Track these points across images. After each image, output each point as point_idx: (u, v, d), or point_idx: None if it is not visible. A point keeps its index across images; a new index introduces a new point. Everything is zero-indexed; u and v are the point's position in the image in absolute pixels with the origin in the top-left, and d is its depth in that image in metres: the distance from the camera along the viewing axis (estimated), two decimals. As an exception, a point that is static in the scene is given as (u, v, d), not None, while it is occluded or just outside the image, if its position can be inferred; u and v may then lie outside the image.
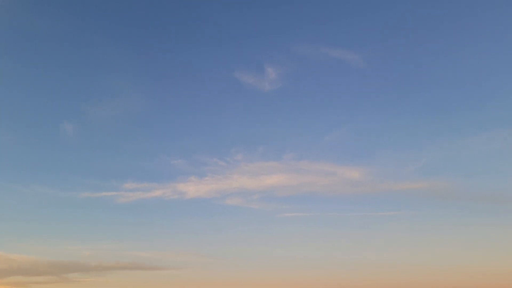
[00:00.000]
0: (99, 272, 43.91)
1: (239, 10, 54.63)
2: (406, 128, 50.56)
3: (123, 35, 54.77)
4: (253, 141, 52.63)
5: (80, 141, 52.53)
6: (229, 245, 47.46)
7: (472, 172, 47.39)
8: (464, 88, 49.23)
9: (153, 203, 49.32)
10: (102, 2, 53.72)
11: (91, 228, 48.60)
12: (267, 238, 47.85)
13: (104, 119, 52.84)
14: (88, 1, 53.11)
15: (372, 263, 43.72)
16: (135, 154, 52.99)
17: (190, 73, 55.41)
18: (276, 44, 53.14)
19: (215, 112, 55.11)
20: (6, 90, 52.17)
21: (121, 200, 48.85)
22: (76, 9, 53.00)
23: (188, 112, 55.58)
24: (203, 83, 55.33)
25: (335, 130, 52.01)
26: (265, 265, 45.44)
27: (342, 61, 51.65)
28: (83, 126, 52.82)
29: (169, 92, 55.63)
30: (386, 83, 52.24)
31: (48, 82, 53.87)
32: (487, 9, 49.54)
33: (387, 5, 52.42)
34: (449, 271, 40.20)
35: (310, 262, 45.00)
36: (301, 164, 50.44)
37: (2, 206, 48.37)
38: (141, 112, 54.77)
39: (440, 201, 46.48)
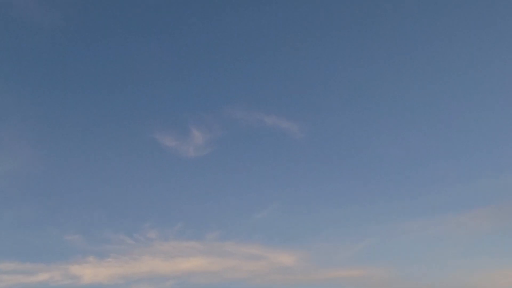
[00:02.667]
0: None
1: (165, 64, 49.16)
2: (343, 211, 46.69)
3: (15, 73, 46.20)
4: (170, 216, 45.41)
5: None
6: None
7: (408, 260, 44.54)
8: (401, 174, 47.11)
9: (37, 290, 39.64)
10: None
11: None
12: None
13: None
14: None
15: None
16: (15, 224, 43.17)
17: (98, 127, 47.29)
18: (205, 105, 47.82)
19: (125, 178, 47.12)
20: None
21: (-7, 286, 38.72)
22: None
23: (91, 176, 46.95)
24: (113, 141, 47.42)
25: (266, 207, 46.57)
26: None
27: (278, 130, 47.30)
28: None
29: (68, 149, 46.55)
30: (324, 159, 48.60)
31: None
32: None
33: (329, 76, 50.07)
34: None
35: None
36: (226, 246, 44.06)
37: None
38: (28, 171, 45.12)
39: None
